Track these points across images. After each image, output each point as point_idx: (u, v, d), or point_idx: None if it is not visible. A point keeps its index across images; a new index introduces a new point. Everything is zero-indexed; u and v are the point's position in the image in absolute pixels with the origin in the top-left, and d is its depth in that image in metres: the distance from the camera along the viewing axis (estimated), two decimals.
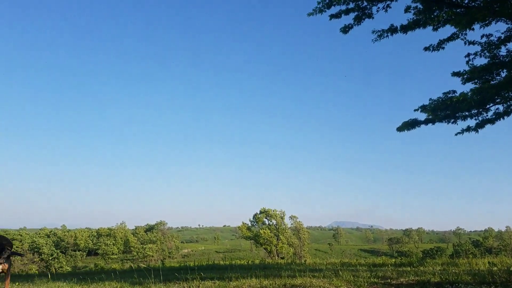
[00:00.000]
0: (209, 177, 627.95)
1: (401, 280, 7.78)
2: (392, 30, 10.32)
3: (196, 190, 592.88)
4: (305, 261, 20.26)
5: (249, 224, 78.73)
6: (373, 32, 10.33)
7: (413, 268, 10.13)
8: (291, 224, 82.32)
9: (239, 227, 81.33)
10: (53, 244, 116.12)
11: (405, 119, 12.18)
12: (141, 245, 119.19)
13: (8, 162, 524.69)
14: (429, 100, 12.05)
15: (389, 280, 7.71)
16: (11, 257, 8.09)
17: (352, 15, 9.99)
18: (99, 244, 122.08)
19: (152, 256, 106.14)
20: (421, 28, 10.35)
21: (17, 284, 9.37)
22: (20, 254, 9.52)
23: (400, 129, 12.00)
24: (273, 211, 76.65)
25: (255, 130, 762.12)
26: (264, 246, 71.22)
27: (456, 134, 11.98)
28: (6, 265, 7.81)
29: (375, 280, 7.70)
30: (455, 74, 12.27)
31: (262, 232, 70.96)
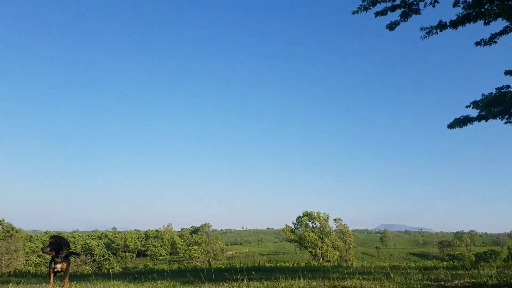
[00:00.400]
0: (253, 180, 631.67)
1: (456, 282, 7.48)
2: (442, 26, 10.01)
3: (240, 193, 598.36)
4: (352, 264, 19.92)
5: (293, 227, 78.30)
6: (421, 29, 10.06)
7: (467, 271, 9.72)
8: (336, 227, 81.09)
9: (282, 229, 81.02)
10: (105, 246, 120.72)
11: (450, 118, 11.79)
12: (187, 247, 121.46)
13: (62, 169, 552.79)
14: (482, 95, 11.57)
15: (442, 283, 7.43)
16: (69, 257, 8.49)
17: (398, 11, 9.80)
18: (147, 245, 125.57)
19: (198, 258, 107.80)
20: (471, 22, 9.99)
21: (75, 283, 9.83)
22: (77, 254, 9.96)
23: (451, 126, 11.60)
24: (317, 213, 75.85)
25: (298, 134, 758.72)
26: (309, 249, 70.58)
27: None
28: (65, 264, 8.20)
29: (428, 282, 7.45)
30: (508, 72, 11.72)
31: (306, 234, 70.38)
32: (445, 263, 14.43)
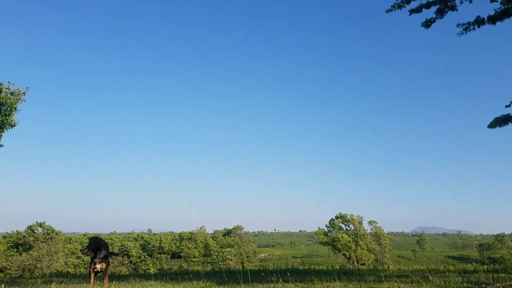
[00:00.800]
0: (285, 182, 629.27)
1: (497, 285, 7.23)
2: (479, 22, 9.67)
3: (272, 195, 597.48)
4: (388, 267, 19.53)
5: (326, 230, 77.41)
6: (458, 25, 9.76)
7: (509, 274, 9.35)
8: (371, 229, 79.56)
9: (315, 232, 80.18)
10: (140, 247, 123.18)
11: (489, 118, 11.35)
12: (220, 249, 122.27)
13: (100, 174, 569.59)
14: None
15: (483, 286, 7.20)
16: (108, 258, 8.72)
17: (433, 8, 9.56)
18: (181, 247, 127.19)
19: (231, 260, 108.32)
20: (511, 17, 9.62)
21: (114, 283, 10.09)
22: (116, 254, 10.24)
23: (491, 125, 11.18)
24: (350, 216, 74.70)
25: (332, 136, 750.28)
26: (342, 252, 69.58)
27: None
28: (104, 265, 8.43)
29: (468, 285, 7.23)
30: None
31: (340, 237, 69.43)
32: (485, 266, 13.93)
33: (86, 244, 8.58)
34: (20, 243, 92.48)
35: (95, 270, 8.52)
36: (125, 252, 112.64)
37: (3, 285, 7.47)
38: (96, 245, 8.45)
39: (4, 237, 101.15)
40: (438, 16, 9.73)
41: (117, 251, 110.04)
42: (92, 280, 8.76)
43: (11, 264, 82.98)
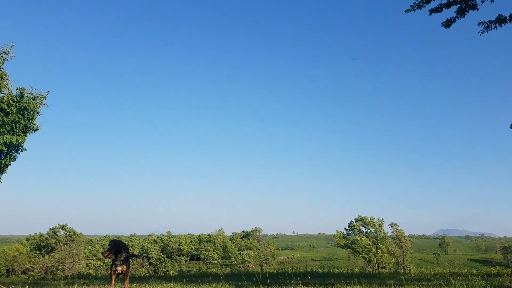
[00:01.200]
0: (303, 185, 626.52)
1: None
2: (501, 20, 9.47)
3: (291, 198, 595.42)
4: (410, 270, 19.23)
5: (345, 232, 76.64)
6: (479, 23, 9.58)
7: None
8: (392, 232, 78.46)
9: (334, 235, 79.48)
10: (160, 249, 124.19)
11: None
12: (239, 251, 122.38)
13: (121, 178, 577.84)
14: None
15: None
16: (129, 260, 8.80)
17: (454, 8, 9.41)
18: (200, 249, 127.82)
19: (250, 262, 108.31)
20: None
21: (134, 284, 10.19)
22: (136, 256, 10.30)
23: None
24: (370, 218, 73.82)
25: (352, 138, 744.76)
26: (362, 255, 68.78)
27: None
28: (125, 267, 8.43)
29: None
30: None
31: (359, 238, 68.65)
32: (509, 270, 13.58)
33: (107, 247, 8.61)
34: (42, 245, 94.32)
35: (116, 272, 8.53)
36: (145, 254, 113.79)
37: (27, 287, 7.62)
38: (117, 248, 8.50)
39: (27, 239, 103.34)
40: (458, 16, 9.58)
41: (137, 253, 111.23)
42: (113, 282, 8.78)
43: (34, 266, 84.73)
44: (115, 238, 9.54)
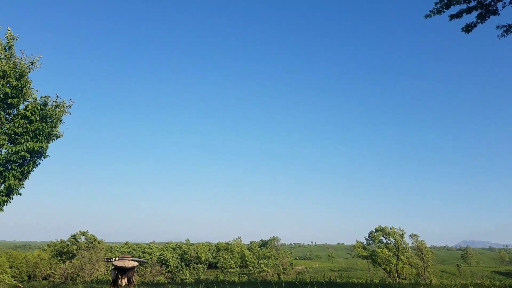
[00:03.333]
0: (323, 195, 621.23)
1: None
2: None
3: (309, 208, 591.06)
4: (431, 281, 18.82)
5: (365, 243, 75.65)
6: (497, 27, 9.46)
7: None
8: (412, 243, 77.04)
9: (354, 245, 78.55)
10: (178, 257, 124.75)
11: None
12: (257, 260, 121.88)
13: (142, 187, 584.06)
14: None
15: None
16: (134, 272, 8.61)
17: (474, 13, 9.35)
18: (218, 257, 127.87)
19: (267, 272, 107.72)
20: None
21: None
22: (143, 261, 9.82)
23: None
24: (391, 229, 72.72)
25: (373, 148, 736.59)
26: (383, 266, 67.69)
27: None
28: (125, 280, 8.29)
29: None
30: None
31: (379, 251, 67.63)
32: None
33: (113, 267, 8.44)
34: (63, 252, 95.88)
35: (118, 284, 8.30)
36: (163, 262, 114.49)
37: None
38: (122, 268, 8.32)
39: (49, 246, 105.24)
40: (479, 21, 9.53)
41: (156, 260, 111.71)
42: None
43: (54, 272, 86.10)
44: (122, 256, 9.21)
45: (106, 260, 8.82)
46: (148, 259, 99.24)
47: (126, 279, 8.16)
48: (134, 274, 8.51)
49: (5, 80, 17.50)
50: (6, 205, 18.20)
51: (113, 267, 8.44)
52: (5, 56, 18.00)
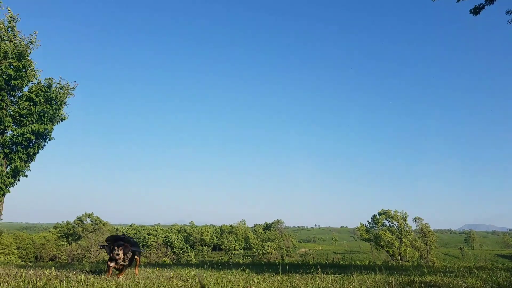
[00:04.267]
0: (326, 178, 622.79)
1: None
2: None
3: (313, 191, 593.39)
4: (434, 264, 18.95)
5: (368, 226, 76.04)
6: (507, 12, 9.26)
7: None
8: (416, 226, 77.35)
9: (357, 228, 78.97)
10: (183, 239, 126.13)
11: None
12: (261, 242, 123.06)
13: (147, 169, 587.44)
14: None
15: None
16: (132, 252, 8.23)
17: None
18: (222, 240, 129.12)
19: (271, 254, 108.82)
20: None
21: (157, 269, 10.42)
22: (139, 250, 9.03)
23: None
24: (394, 212, 72.98)
25: (375, 131, 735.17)
26: (385, 249, 68.19)
27: None
28: (120, 265, 7.91)
29: None
30: None
31: (382, 233, 68.03)
32: None
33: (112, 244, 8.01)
34: (70, 233, 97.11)
35: (115, 267, 7.90)
36: (168, 243, 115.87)
37: (53, 268, 7.87)
38: (115, 239, 8.09)
39: (55, 228, 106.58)
40: (487, 2, 9.32)
41: (161, 242, 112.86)
42: (110, 273, 7.93)
43: (61, 253, 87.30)
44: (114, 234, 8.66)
45: (101, 247, 8.45)
46: (142, 250, 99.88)
47: (122, 251, 7.78)
48: (130, 252, 8.03)
49: (7, 61, 17.46)
50: (13, 186, 18.36)
51: (106, 243, 8.07)
52: (8, 37, 17.93)
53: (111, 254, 7.75)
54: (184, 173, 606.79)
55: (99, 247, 8.38)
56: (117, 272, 7.95)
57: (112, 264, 7.82)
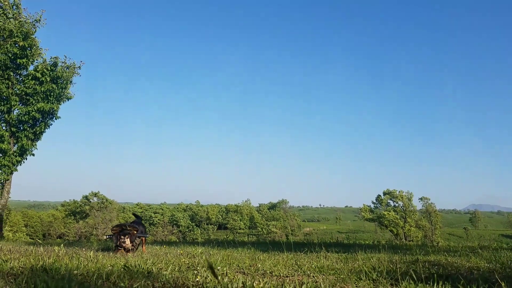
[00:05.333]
0: (331, 157, 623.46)
1: None
2: None
3: (318, 170, 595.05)
4: (438, 243, 19.09)
5: (372, 206, 76.36)
6: None
7: None
8: (422, 205, 77.58)
9: (361, 208, 79.39)
10: (189, 218, 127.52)
11: None
12: (266, 222, 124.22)
13: (153, 148, 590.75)
14: None
15: None
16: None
17: None
18: (227, 219, 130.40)
19: (276, 233, 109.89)
20: None
21: (164, 246, 10.57)
22: (145, 236, 8.83)
23: None
24: (399, 192, 73.15)
25: (381, 111, 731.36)
26: (389, 228, 68.68)
27: None
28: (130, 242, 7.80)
29: None
30: None
31: (386, 213, 68.36)
32: None
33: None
34: (77, 212, 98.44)
35: (122, 247, 7.70)
36: (174, 222, 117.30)
37: (62, 245, 7.99)
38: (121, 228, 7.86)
39: (62, 206, 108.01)
40: None
41: (167, 220, 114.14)
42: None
43: (68, 231, 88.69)
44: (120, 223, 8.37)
45: (108, 237, 8.23)
46: (148, 235, 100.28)
47: (129, 239, 7.72)
48: (136, 240, 7.99)
49: (12, 40, 17.43)
50: (20, 165, 18.58)
51: (113, 232, 7.89)
52: (13, 15, 17.84)
53: (118, 243, 7.67)
54: (191, 152, 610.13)
55: (106, 238, 8.12)
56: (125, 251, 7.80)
57: (120, 249, 7.69)
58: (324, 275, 4.93)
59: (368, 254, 7.87)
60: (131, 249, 7.77)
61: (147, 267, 4.64)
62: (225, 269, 4.99)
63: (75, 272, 3.91)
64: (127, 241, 7.64)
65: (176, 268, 4.85)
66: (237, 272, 5.04)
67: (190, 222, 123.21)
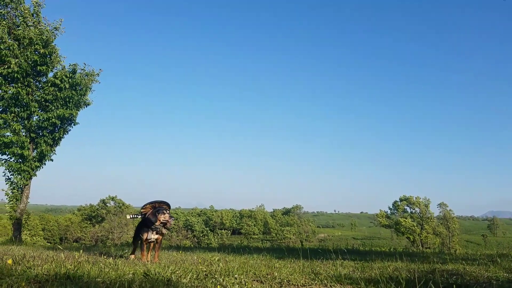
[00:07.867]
0: (346, 163, 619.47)
1: None
2: None
3: (333, 176, 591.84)
4: (455, 251, 18.79)
5: (388, 212, 75.60)
6: None
7: None
8: (439, 212, 76.53)
9: (377, 214, 78.66)
10: (203, 223, 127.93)
11: None
12: (280, 227, 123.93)
13: (168, 152, 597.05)
14: None
15: None
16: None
17: None
18: (242, 224, 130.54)
19: (290, 238, 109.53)
20: None
21: (180, 252, 10.65)
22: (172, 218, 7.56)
23: None
24: (416, 198, 72.31)
25: (399, 115, 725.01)
26: (406, 235, 67.83)
27: None
28: (160, 237, 7.19)
29: None
30: None
31: (402, 220, 67.58)
32: None
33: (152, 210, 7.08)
34: (93, 216, 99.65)
35: (150, 240, 7.01)
36: (189, 227, 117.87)
37: (81, 251, 8.13)
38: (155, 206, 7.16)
39: (79, 210, 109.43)
40: None
41: (182, 225, 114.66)
42: (144, 253, 7.10)
43: (85, 235, 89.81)
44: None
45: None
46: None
47: (160, 237, 7.12)
48: (163, 230, 7.12)
49: (33, 47, 17.87)
50: (39, 170, 18.94)
51: (142, 211, 7.22)
52: (33, 23, 18.30)
53: (157, 221, 6.71)
54: (206, 157, 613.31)
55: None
56: (153, 250, 7.24)
57: (153, 236, 6.88)
58: (341, 284, 4.94)
59: (385, 263, 7.83)
60: (158, 240, 7.05)
61: (167, 275, 4.71)
62: (242, 277, 5.03)
63: (98, 279, 4.00)
64: (171, 220, 6.84)
65: (195, 275, 4.91)
66: (254, 280, 5.08)
67: (204, 227, 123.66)
